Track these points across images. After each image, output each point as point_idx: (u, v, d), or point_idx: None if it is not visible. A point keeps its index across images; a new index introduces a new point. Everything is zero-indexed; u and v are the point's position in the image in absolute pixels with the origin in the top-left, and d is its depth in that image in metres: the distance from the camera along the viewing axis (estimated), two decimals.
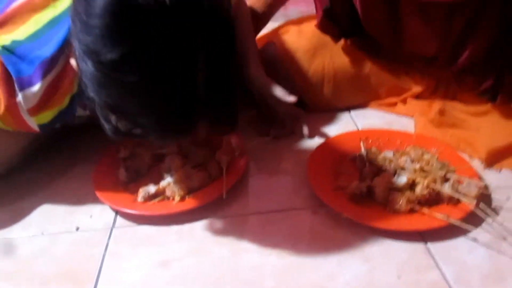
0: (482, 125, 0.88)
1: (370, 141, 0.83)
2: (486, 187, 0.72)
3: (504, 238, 0.65)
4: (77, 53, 0.53)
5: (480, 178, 0.75)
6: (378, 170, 0.74)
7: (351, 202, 0.70)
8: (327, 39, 0.97)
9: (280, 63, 0.94)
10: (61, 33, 0.64)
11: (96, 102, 0.55)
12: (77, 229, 0.71)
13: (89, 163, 0.83)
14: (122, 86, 0.51)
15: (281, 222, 0.70)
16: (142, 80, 0.50)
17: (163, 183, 0.73)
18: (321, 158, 0.80)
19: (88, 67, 0.51)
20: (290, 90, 0.86)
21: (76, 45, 0.53)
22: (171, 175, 0.74)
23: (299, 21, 1.10)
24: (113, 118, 0.57)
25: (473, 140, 0.84)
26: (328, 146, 0.83)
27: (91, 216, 0.73)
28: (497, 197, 0.72)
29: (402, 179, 0.71)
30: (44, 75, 0.64)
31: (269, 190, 0.77)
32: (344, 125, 0.93)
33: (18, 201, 0.77)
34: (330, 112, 0.97)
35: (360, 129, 0.92)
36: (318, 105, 0.96)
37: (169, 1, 0.48)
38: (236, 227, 0.69)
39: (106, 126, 0.59)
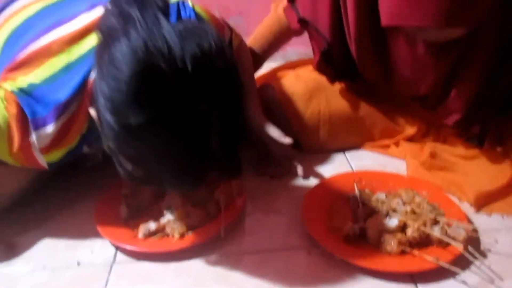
0: (472, 169, 0.92)
1: (363, 182, 0.86)
2: (475, 230, 0.75)
3: (492, 281, 0.67)
4: (101, 108, 0.57)
5: (469, 221, 0.78)
6: (371, 211, 0.77)
7: (345, 243, 0.73)
8: (323, 83, 1.02)
9: (277, 106, 0.98)
10: (76, 78, 0.68)
11: (114, 152, 0.60)
12: (78, 264, 0.73)
13: (91, 198, 0.85)
14: (144, 143, 0.56)
15: (276, 261, 0.72)
16: (162, 139, 0.56)
17: (163, 220, 0.76)
18: (316, 199, 0.82)
19: (112, 124, 0.56)
20: (286, 132, 0.89)
21: (101, 101, 0.57)
22: (171, 213, 0.76)
23: (297, 63, 1.16)
24: (129, 166, 0.61)
25: (463, 183, 0.88)
26: (323, 187, 0.86)
27: (92, 252, 0.75)
28: (485, 240, 0.75)
29: (393, 222, 0.73)
30: (58, 117, 0.68)
31: (265, 228, 0.79)
32: (338, 166, 0.97)
33: (19, 235, 0.79)
34: (325, 153, 1.01)
35: (354, 170, 0.95)
36: (314, 147, 1.00)
37: (191, 67, 0.54)
38: (232, 266, 0.71)
39: (122, 172, 0.63)
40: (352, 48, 0.93)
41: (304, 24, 1.00)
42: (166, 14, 0.63)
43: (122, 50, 0.54)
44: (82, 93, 0.68)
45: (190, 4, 0.78)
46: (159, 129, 0.55)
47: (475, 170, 0.91)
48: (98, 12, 0.71)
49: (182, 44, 0.55)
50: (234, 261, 0.72)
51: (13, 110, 0.67)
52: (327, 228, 0.75)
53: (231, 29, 0.90)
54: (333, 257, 0.70)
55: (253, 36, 1.11)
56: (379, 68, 0.94)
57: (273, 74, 1.11)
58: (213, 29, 0.59)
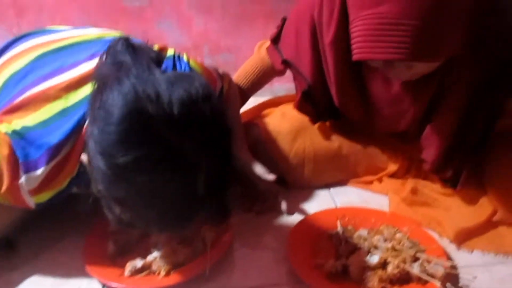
0: (452, 205, 0.95)
1: (346, 219, 0.89)
2: (453, 267, 0.77)
3: None
4: (91, 152, 0.60)
5: (448, 257, 0.80)
6: (353, 248, 0.79)
7: (328, 279, 0.75)
8: (307, 122, 1.05)
9: (263, 145, 1.01)
10: (69, 123, 0.70)
11: (103, 195, 0.62)
12: None
13: (80, 235, 0.86)
14: (131, 185, 0.58)
15: None
16: (149, 182, 0.58)
17: (149, 258, 0.77)
18: (300, 235, 0.84)
19: (101, 166, 0.58)
20: (272, 169, 0.92)
21: (91, 145, 0.60)
22: (158, 250, 0.78)
23: (283, 99, 1.19)
24: (117, 209, 0.63)
25: (443, 219, 0.90)
26: (307, 223, 0.88)
27: None
28: (464, 277, 0.77)
29: (375, 258, 0.75)
30: (49, 160, 0.69)
31: (251, 265, 0.81)
32: (323, 202, 0.99)
33: (6, 273, 0.79)
34: (310, 189, 1.03)
35: (338, 206, 0.98)
36: (299, 184, 1.02)
37: (177, 111, 0.57)
38: None
39: (110, 216, 0.65)
40: (333, 90, 0.97)
41: (287, 65, 1.04)
42: (159, 65, 0.67)
43: (113, 95, 0.58)
44: (74, 137, 0.70)
45: (185, 58, 0.82)
46: (146, 170, 0.57)
47: (455, 206, 0.94)
48: (97, 61, 0.74)
49: (170, 90, 0.58)
50: None
51: (5, 151, 0.68)
52: (311, 265, 0.77)
53: (222, 78, 0.93)
54: None
55: (237, 75, 1.15)
56: (360, 108, 0.98)
57: (259, 111, 1.14)
58: (201, 78, 0.63)
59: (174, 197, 0.60)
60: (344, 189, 1.05)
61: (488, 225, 0.89)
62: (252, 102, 1.20)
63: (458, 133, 0.89)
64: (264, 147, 1.01)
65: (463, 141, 0.90)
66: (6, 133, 0.70)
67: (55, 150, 0.70)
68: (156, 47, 0.79)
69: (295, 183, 1.02)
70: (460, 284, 0.75)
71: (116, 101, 0.57)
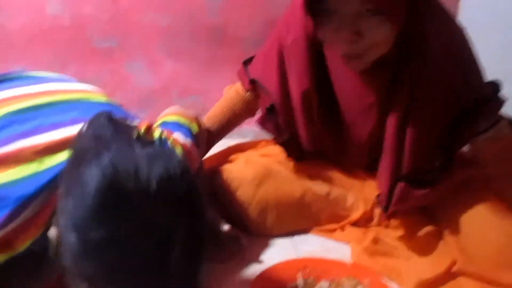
0: (412, 254, 0.96)
1: (308, 270, 0.88)
2: None
3: None
4: (62, 227, 0.57)
5: None
6: None
7: None
8: (271, 168, 1.06)
9: (225, 192, 1.01)
10: (43, 180, 0.67)
11: (70, 271, 0.58)
12: None
13: None
14: (102, 261, 0.56)
15: None
16: (120, 258, 0.55)
17: None
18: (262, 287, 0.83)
19: (72, 241, 0.55)
20: (234, 218, 0.92)
21: (62, 219, 0.57)
22: None
23: (248, 145, 1.20)
24: (84, 286, 0.59)
25: (403, 270, 0.91)
26: (268, 275, 0.87)
27: None
28: None
29: None
30: (3, 225, 0.66)
31: None
32: (285, 251, 0.98)
33: None
34: (273, 237, 1.03)
35: (300, 255, 0.97)
36: (262, 232, 1.02)
37: (155, 187, 0.56)
38: None
39: None
40: (297, 108, 1.00)
41: (254, 84, 1.08)
42: (140, 141, 0.65)
43: (90, 169, 0.56)
44: (44, 197, 0.67)
45: (169, 143, 0.80)
46: (117, 246, 0.55)
47: (415, 256, 0.95)
48: (77, 129, 0.70)
49: (149, 166, 0.57)
50: None
51: None
52: None
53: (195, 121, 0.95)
54: None
55: (207, 116, 1.17)
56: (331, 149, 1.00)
57: (224, 157, 1.14)
58: (180, 156, 0.63)
59: (146, 274, 0.57)
60: (307, 237, 1.05)
61: (448, 276, 0.90)
62: (220, 145, 1.20)
63: (413, 161, 0.91)
64: (227, 194, 1.01)
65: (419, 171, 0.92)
66: None
67: (27, 199, 0.67)
68: (143, 127, 0.77)
69: (257, 231, 1.02)
70: None
71: (93, 175, 0.55)
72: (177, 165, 0.59)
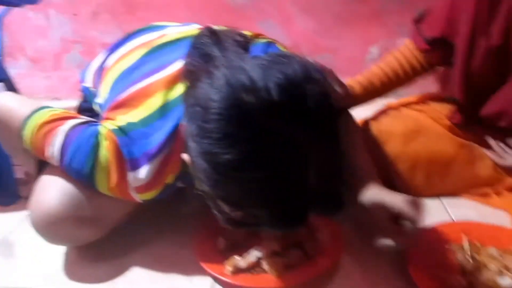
0: None
1: (473, 234, 0.81)
2: None
3: None
4: (193, 152, 0.57)
5: None
6: (481, 266, 0.72)
7: None
8: (422, 124, 0.99)
9: (372, 145, 0.96)
10: (169, 123, 0.70)
11: (209, 195, 0.59)
12: None
13: (189, 227, 0.87)
14: (237, 183, 0.55)
15: None
16: (257, 177, 0.53)
17: (251, 258, 0.76)
18: (421, 246, 0.78)
19: (204, 166, 0.55)
20: (380, 173, 0.87)
21: (192, 145, 0.57)
22: (265, 250, 0.76)
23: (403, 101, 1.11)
24: (226, 208, 0.60)
25: None
26: (428, 234, 0.82)
27: (190, 282, 0.76)
28: None
29: (506, 280, 0.69)
30: (150, 160, 0.70)
31: (364, 274, 0.77)
32: (438, 214, 0.92)
33: (119, 258, 0.82)
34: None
35: (454, 220, 0.91)
36: (408, 191, 0.95)
37: (277, 96, 0.51)
38: None
39: (219, 216, 0.62)
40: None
41: (433, 44, 0.96)
42: (246, 48, 0.62)
43: (205, 90, 0.54)
44: (173, 138, 0.70)
45: (278, 46, 0.78)
46: (252, 166, 0.53)
47: None
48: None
49: (264, 74, 0.52)
50: None
51: (112, 148, 0.70)
52: (432, 278, 0.71)
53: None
54: None
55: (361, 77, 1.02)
56: None
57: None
58: (297, 56, 0.57)
59: (285, 193, 0.55)
60: (458, 201, 0.97)
61: None
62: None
63: None
64: (374, 147, 0.96)
65: None
66: (111, 130, 0.71)
67: (157, 151, 0.69)
68: (249, 34, 0.76)
69: (405, 189, 0.96)
70: None
71: (209, 95, 0.53)
72: (298, 69, 0.54)
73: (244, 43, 0.65)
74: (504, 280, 0.69)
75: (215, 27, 0.68)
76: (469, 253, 0.75)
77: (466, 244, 0.77)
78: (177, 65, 0.73)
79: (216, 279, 0.76)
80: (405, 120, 0.99)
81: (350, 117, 0.95)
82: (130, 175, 0.71)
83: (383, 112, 1.04)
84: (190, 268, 0.78)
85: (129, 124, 0.71)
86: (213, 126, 0.53)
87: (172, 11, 1.55)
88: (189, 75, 0.62)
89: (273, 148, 0.53)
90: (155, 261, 0.81)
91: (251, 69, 0.53)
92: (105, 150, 0.70)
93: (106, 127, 0.72)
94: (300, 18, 1.54)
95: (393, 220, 0.74)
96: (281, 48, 0.81)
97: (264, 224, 0.61)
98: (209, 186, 0.57)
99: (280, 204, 0.56)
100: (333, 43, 1.56)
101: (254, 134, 0.52)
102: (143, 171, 0.70)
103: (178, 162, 0.71)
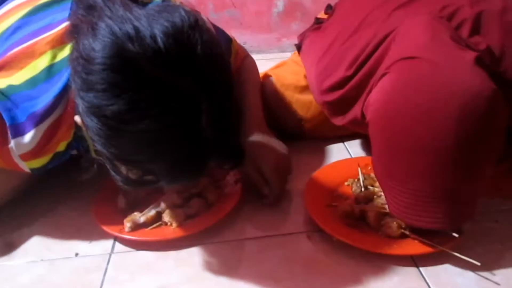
0: None
1: (369, 167, 0.85)
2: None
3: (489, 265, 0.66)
4: (81, 110, 0.55)
5: None
6: (373, 195, 0.76)
7: (344, 225, 0.72)
8: None
9: (280, 94, 0.97)
10: (57, 85, 0.65)
11: (105, 155, 0.56)
12: (76, 255, 0.72)
13: (87, 192, 0.84)
14: (129, 136, 0.52)
15: (277, 247, 0.71)
16: (148, 128, 0.51)
17: (150, 213, 0.75)
18: (319, 183, 0.82)
19: (94, 122, 0.53)
20: (289, 119, 0.88)
21: (79, 102, 0.54)
22: (166, 203, 0.76)
23: None
24: (123, 168, 0.58)
25: None
26: (326, 172, 0.85)
27: (90, 242, 0.74)
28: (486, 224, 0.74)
29: None
30: (36, 124, 0.65)
31: (265, 215, 0.78)
32: (339, 155, 0.96)
33: (15, 230, 0.78)
34: (324, 141, 1.00)
35: (353, 157, 0.94)
36: (317, 133, 0.99)
37: (163, 45, 0.50)
38: (233, 253, 0.71)
39: (117, 178, 0.59)
40: None
41: None
42: (136, 1, 0.59)
43: (88, 41, 0.52)
44: (64, 99, 0.65)
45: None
46: (140, 117, 0.51)
47: None
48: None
49: (150, 23, 0.51)
50: (235, 248, 0.72)
51: None
52: (328, 211, 0.75)
53: (231, 40, 0.87)
54: (333, 242, 0.70)
55: None
56: None
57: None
58: (185, 7, 0.55)
59: (179, 143, 0.54)
60: (358, 141, 1.01)
61: None
62: (260, 60, 1.11)
63: None
64: (282, 96, 0.97)
65: None
66: None
67: (43, 114, 0.65)
68: None
69: (313, 132, 0.99)
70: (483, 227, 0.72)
71: (92, 45, 0.51)
72: (185, 16, 0.52)
73: None
74: None
75: None
76: (362, 183, 0.79)
77: (360, 177, 0.81)
78: (64, 25, 0.67)
79: (117, 238, 0.75)
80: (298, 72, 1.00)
81: (249, 66, 0.94)
82: (13, 143, 0.65)
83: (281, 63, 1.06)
84: (89, 230, 0.76)
85: (11, 86, 0.65)
86: (97, 77, 0.51)
87: None
88: (74, 30, 0.58)
89: (161, 98, 0.51)
90: (56, 229, 0.78)
91: (136, 18, 0.51)
92: None
93: None
94: None
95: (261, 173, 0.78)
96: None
97: (163, 179, 0.59)
98: (102, 145, 0.55)
99: (177, 158, 0.55)
100: None
101: (139, 83, 0.50)
102: (28, 136, 0.65)
103: (69, 127, 0.67)
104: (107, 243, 0.74)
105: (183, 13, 0.53)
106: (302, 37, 0.99)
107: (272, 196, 0.78)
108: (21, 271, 0.70)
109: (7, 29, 0.71)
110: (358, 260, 0.68)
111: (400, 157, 0.63)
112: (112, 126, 0.52)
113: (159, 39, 0.50)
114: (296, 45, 1.02)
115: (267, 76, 1.02)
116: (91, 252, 0.73)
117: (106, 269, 0.69)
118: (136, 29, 0.50)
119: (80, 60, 0.52)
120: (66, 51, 0.67)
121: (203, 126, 0.54)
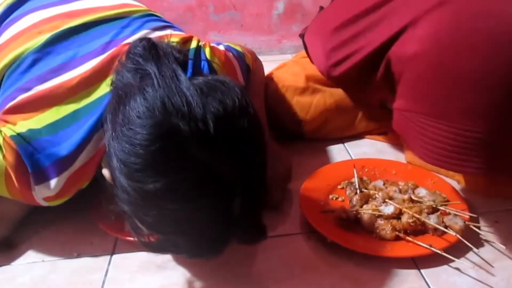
0: None
1: (366, 170, 0.86)
2: (473, 218, 0.74)
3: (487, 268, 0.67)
4: (115, 172, 0.53)
5: (470, 210, 0.75)
6: (367, 198, 0.77)
7: (339, 227, 0.73)
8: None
9: (280, 96, 0.98)
10: (80, 131, 0.64)
11: (129, 215, 0.56)
12: (78, 255, 0.73)
13: (90, 196, 0.83)
14: (162, 211, 0.52)
15: (277, 248, 0.72)
16: (181, 208, 0.51)
17: None
18: (315, 185, 0.82)
19: (128, 189, 0.52)
20: (288, 121, 0.88)
21: (115, 164, 0.52)
22: None
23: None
24: (145, 231, 0.57)
25: None
26: (322, 174, 0.86)
27: (91, 243, 0.75)
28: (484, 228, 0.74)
29: (389, 208, 0.73)
30: (60, 172, 0.63)
31: (264, 216, 0.78)
32: (339, 157, 0.96)
33: (17, 230, 0.78)
34: (324, 142, 1.01)
35: (353, 158, 0.95)
36: (317, 135, 0.99)
37: (213, 128, 0.49)
38: (233, 254, 0.71)
39: (137, 237, 0.59)
40: None
41: None
42: (185, 67, 0.58)
43: (138, 110, 0.50)
44: (88, 147, 0.64)
45: (206, 52, 0.74)
46: (178, 196, 0.51)
47: None
48: (110, 55, 0.67)
49: (203, 102, 0.50)
50: (235, 249, 0.71)
51: (11, 159, 0.62)
52: (321, 212, 0.75)
53: (246, 57, 0.86)
54: (326, 241, 0.70)
55: None
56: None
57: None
58: (235, 84, 0.55)
59: (208, 223, 0.54)
60: (358, 141, 1.02)
61: None
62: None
63: None
64: (283, 97, 0.97)
65: None
66: (11, 137, 0.63)
67: (67, 161, 0.63)
68: (178, 39, 0.71)
69: (313, 134, 0.99)
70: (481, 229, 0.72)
71: (142, 118, 0.50)
72: (236, 99, 0.52)
73: (183, 61, 0.59)
74: (387, 209, 0.73)
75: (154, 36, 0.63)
76: (357, 186, 0.79)
77: (355, 179, 0.81)
78: (90, 63, 0.66)
79: (118, 239, 0.75)
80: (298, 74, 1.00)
81: (257, 68, 0.94)
82: (37, 189, 0.64)
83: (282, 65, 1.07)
84: (92, 232, 0.76)
85: (31, 131, 0.63)
86: (141, 150, 0.50)
87: None
88: (120, 87, 0.56)
89: (201, 180, 0.51)
90: (57, 230, 0.78)
91: (190, 93, 0.50)
92: (2, 160, 0.62)
93: (3, 134, 0.63)
94: None
95: None
96: (209, 54, 0.75)
97: (181, 251, 0.59)
98: (130, 209, 0.54)
99: (202, 236, 0.55)
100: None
101: (184, 165, 0.50)
102: (52, 183, 0.64)
103: (92, 172, 0.66)
104: (108, 244, 0.75)
105: (234, 95, 0.53)
106: (305, 30, 1.00)
107: (272, 204, 0.79)
108: (22, 271, 0.71)
109: (25, 58, 0.68)
110: (358, 261, 0.68)
111: (458, 95, 0.59)
112: (147, 199, 0.52)
113: (210, 122, 0.50)
114: (300, 35, 1.03)
115: (267, 77, 1.02)
116: (92, 253, 0.73)
117: (107, 270, 0.70)
118: (189, 106, 0.49)
119: (125, 128, 0.51)
120: (91, 96, 0.65)
121: (235, 208, 0.54)
